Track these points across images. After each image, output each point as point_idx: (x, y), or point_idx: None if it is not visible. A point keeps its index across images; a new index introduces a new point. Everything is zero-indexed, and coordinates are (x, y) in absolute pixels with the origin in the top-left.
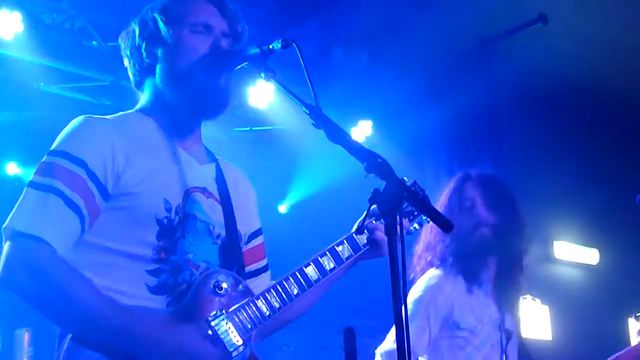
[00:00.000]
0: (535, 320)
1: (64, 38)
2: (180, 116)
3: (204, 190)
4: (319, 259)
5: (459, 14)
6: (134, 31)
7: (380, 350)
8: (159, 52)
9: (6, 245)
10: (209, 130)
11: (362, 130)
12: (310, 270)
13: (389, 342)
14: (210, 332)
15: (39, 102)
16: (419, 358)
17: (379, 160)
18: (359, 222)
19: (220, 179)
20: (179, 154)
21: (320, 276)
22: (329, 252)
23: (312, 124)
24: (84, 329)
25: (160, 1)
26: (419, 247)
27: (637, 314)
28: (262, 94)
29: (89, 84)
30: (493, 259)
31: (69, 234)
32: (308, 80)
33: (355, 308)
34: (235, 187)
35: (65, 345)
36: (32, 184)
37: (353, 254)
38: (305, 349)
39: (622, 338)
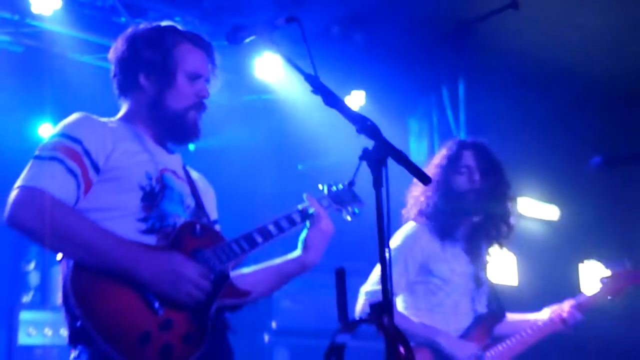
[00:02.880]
0: (503, 268)
1: (96, 14)
2: (157, 133)
3: (174, 172)
4: (279, 221)
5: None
6: (134, 52)
7: (364, 289)
8: (154, 80)
9: (12, 194)
10: (221, 97)
11: (355, 99)
12: (271, 227)
13: (372, 282)
14: (193, 259)
15: (74, 70)
16: (397, 297)
17: (369, 123)
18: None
19: (185, 170)
20: (153, 145)
21: (278, 232)
22: (285, 218)
23: (311, 90)
24: (83, 253)
25: (161, 27)
26: (409, 201)
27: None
28: (268, 66)
29: None
30: (470, 220)
31: (68, 193)
32: (308, 53)
33: (345, 253)
34: (198, 181)
35: (70, 269)
36: (36, 157)
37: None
38: (302, 287)
39: (576, 283)
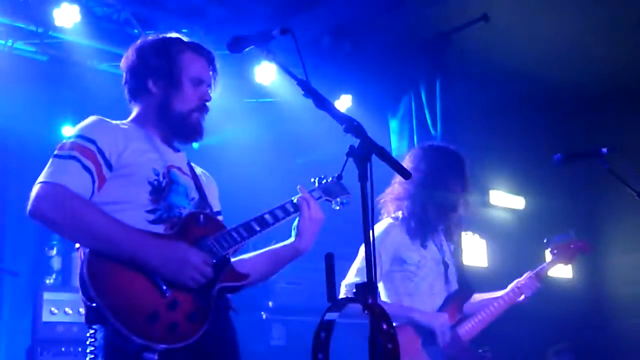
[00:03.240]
0: (474, 251)
1: (112, 27)
2: (165, 134)
3: (179, 168)
4: (274, 210)
5: (419, 12)
6: (142, 60)
7: (344, 282)
8: (162, 85)
9: (35, 189)
10: (223, 100)
11: (343, 102)
12: (267, 217)
13: (351, 275)
14: (196, 247)
15: (92, 77)
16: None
17: (355, 123)
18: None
19: (190, 166)
20: (160, 144)
21: (274, 221)
22: (280, 208)
23: (302, 94)
24: (97, 243)
25: (166, 39)
26: (386, 197)
27: (545, 240)
28: (266, 72)
29: None
30: (442, 216)
31: (84, 187)
32: (301, 61)
33: (334, 240)
34: (201, 176)
35: (85, 257)
36: (55, 155)
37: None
38: (297, 270)
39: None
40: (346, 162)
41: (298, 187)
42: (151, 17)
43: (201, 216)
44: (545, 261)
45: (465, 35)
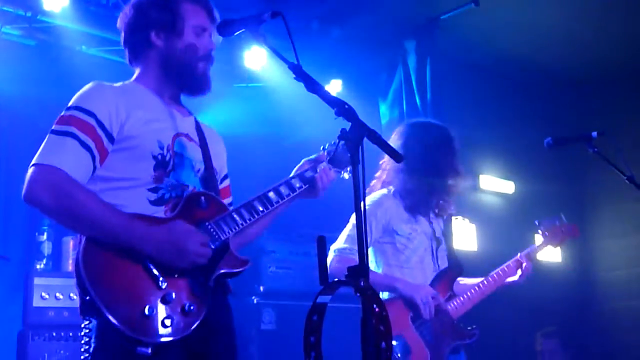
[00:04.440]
0: (465, 235)
1: (101, 11)
2: (171, 89)
3: (187, 135)
4: (278, 188)
5: None
6: (142, 14)
7: (333, 246)
8: (164, 38)
9: (29, 171)
10: (213, 85)
11: (333, 87)
12: (272, 195)
13: (340, 241)
14: (195, 230)
15: (81, 61)
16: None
17: (346, 106)
18: (332, 151)
19: (198, 130)
20: (167, 109)
21: (279, 199)
22: (285, 184)
23: (294, 77)
24: (93, 230)
25: None
26: (382, 173)
27: (537, 222)
28: (256, 57)
29: (120, 48)
30: (434, 193)
31: (83, 167)
32: (292, 44)
33: (325, 222)
34: (210, 138)
35: (82, 244)
36: (52, 131)
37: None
38: (288, 255)
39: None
40: (338, 144)
41: (304, 160)
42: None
43: (202, 198)
44: (535, 244)
45: (455, 20)
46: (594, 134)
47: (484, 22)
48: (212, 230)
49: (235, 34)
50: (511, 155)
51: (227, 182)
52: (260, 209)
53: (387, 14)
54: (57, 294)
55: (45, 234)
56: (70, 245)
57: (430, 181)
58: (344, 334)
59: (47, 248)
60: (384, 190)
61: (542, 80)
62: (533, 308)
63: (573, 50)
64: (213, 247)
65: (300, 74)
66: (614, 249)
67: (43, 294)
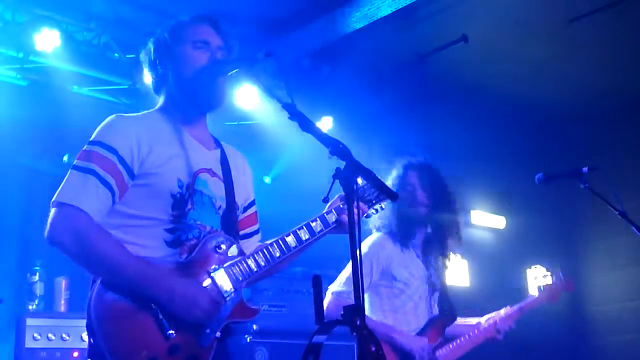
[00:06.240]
0: (456, 271)
1: (92, 51)
2: (189, 111)
3: (209, 170)
4: (297, 231)
5: (398, 35)
6: (150, 49)
7: (332, 288)
8: (170, 64)
9: (52, 211)
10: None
11: (324, 124)
12: (290, 239)
13: (339, 283)
14: (209, 280)
15: (73, 101)
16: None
17: (340, 145)
18: (325, 196)
19: (223, 161)
20: (190, 143)
21: (297, 244)
22: (306, 226)
23: (288, 117)
24: (110, 275)
25: (168, 24)
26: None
27: (535, 267)
28: (247, 95)
29: (111, 87)
30: (423, 230)
31: (103, 205)
32: (286, 84)
33: (320, 261)
34: (235, 166)
35: (96, 287)
36: (74, 167)
37: (324, 229)
38: (280, 293)
39: (522, 285)
40: (333, 184)
41: (329, 204)
42: (131, 40)
43: (219, 241)
44: (525, 281)
45: (443, 56)
46: (585, 169)
47: (473, 60)
48: (224, 279)
49: (230, 74)
50: (502, 190)
51: (252, 209)
52: (278, 254)
53: (377, 50)
54: (49, 335)
55: (38, 274)
56: (63, 285)
57: (424, 218)
58: None
59: (39, 289)
60: (381, 234)
61: (533, 116)
62: (525, 345)
63: (563, 86)
64: (224, 302)
65: (294, 113)
66: (605, 283)
67: (35, 334)
